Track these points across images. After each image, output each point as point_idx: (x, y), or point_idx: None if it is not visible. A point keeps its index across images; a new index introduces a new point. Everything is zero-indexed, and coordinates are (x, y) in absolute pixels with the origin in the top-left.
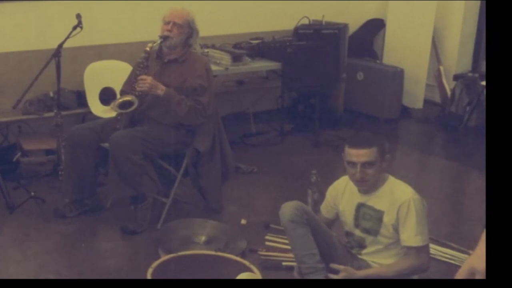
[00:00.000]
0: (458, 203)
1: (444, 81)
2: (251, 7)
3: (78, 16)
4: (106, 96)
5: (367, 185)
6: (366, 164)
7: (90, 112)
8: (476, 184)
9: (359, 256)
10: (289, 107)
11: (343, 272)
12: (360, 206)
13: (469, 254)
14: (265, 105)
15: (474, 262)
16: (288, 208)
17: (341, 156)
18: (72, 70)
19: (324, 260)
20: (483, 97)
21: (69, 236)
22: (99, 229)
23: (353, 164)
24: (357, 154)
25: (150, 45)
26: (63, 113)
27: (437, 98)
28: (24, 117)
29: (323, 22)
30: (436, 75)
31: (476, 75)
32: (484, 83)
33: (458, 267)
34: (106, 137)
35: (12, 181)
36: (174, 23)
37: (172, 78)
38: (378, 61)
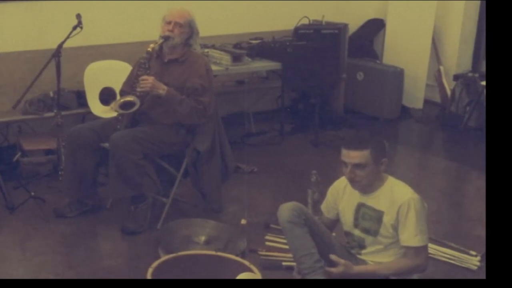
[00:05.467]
0: (458, 203)
1: (444, 81)
2: (251, 7)
3: (78, 16)
4: (106, 96)
5: (358, 185)
6: (356, 166)
7: (90, 112)
8: (476, 184)
9: (359, 256)
10: (289, 107)
11: (342, 266)
12: (360, 206)
13: (469, 254)
14: (265, 105)
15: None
16: (286, 209)
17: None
18: (72, 70)
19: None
20: (483, 97)
21: (69, 236)
22: (99, 229)
23: (345, 164)
24: (348, 155)
25: (152, 45)
26: (63, 113)
27: (437, 98)
28: (24, 117)
29: (323, 22)
30: (436, 75)
31: (476, 75)
32: (484, 83)
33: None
34: (106, 137)
35: (12, 181)
36: (176, 23)
37: (173, 78)
38: (378, 61)
